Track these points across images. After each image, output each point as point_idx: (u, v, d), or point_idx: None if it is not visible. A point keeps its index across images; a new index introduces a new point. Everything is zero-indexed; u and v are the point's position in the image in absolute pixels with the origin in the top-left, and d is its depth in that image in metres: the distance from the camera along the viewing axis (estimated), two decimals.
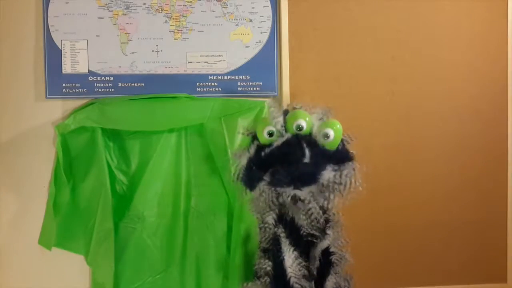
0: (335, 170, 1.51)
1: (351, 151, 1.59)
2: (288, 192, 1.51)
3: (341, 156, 1.55)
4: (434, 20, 2.02)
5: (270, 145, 1.54)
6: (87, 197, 1.85)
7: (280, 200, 1.53)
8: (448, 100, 2.03)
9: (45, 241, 1.87)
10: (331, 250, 1.58)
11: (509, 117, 2.05)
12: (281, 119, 1.56)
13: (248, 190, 1.57)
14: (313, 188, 1.51)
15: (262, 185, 1.52)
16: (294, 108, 1.61)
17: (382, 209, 2.02)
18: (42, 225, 1.88)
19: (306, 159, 1.50)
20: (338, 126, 1.55)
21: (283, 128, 1.55)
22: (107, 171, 1.81)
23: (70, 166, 1.85)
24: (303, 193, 1.51)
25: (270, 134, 1.55)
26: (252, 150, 1.57)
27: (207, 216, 1.88)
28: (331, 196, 1.52)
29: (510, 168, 2.06)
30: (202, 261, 1.88)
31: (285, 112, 1.60)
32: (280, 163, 1.50)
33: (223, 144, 1.82)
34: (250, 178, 1.54)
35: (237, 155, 1.60)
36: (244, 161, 1.56)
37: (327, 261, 1.57)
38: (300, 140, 1.52)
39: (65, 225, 1.84)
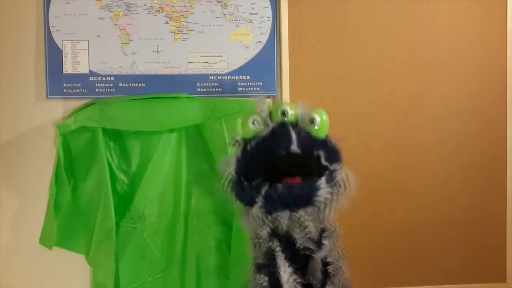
0: (331, 186, 1.47)
1: (340, 149, 1.55)
2: (284, 216, 1.47)
3: (330, 148, 1.51)
4: (434, 20, 2.02)
5: (256, 137, 1.50)
6: (88, 197, 1.85)
7: (277, 223, 1.49)
8: (447, 100, 2.03)
9: (46, 241, 1.87)
10: (327, 260, 1.54)
11: (509, 117, 2.06)
12: (265, 107, 1.52)
13: (237, 202, 1.52)
14: (309, 209, 1.47)
15: (256, 210, 1.47)
16: None
17: (381, 209, 2.02)
18: (43, 224, 1.88)
19: (294, 146, 1.45)
20: (324, 115, 1.51)
21: (269, 118, 1.51)
22: (108, 171, 1.81)
23: (71, 166, 1.86)
24: (299, 213, 1.47)
25: (256, 123, 1.50)
26: (239, 151, 1.53)
27: (208, 215, 1.88)
28: (327, 211, 1.48)
29: (510, 168, 2.06)
30: (203, 261, 1.88)
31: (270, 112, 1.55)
32: (268, 152, 1.46)
33: (223, 144, 1.82)
34: (241, 195, 1.50)
35: (225, 163, 1.54)
36: (232, 168, 1.52)
37: (324, 272, 1.53)
38: (286, 125, 1.48)
39: (66, 225, 1.85)
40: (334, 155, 1.52)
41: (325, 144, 1.51)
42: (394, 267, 2.04)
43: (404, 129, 2.03)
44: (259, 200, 1.46)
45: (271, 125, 1.50)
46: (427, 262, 2.06)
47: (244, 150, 1.52)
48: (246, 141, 1.53)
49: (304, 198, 1.46)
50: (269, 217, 1.49)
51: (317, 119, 1.49)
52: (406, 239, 2.04)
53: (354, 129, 2.00)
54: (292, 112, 1.50)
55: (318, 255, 1.52)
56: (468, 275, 2.07)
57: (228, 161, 1.54)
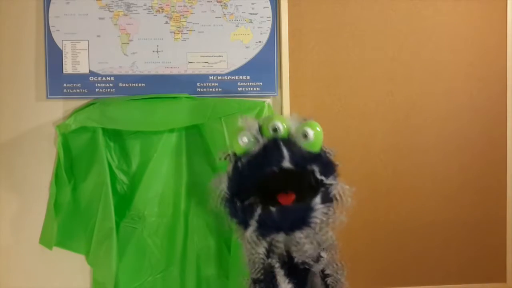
0: (327, 207, 1.44)
1: (335, 162, 1.51)
2: (279, 238, 1.45)
3: (325, 162, 1.48)
4: (434, 20, 2.02)
5: (247, 154, 1.46)
6: (88, 197, 1.85)
7: (272, 243, 1.47)
8: (447, 100, 2.03)
9: (46, 241, 1.87)
10: (326, 272, 1.52)
11: (509, 117, 2.06)
12: (256, 124, 1.49)
13: (231, 220, 1.51)
14: (305, 230, 1.44)
15: (250, 234, 1.45)
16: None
17: (382, 209, 2.02)
18: (43, 224, 1.88)
19: (286, 162, 1.41)
20: (317, 128, 1.47)
21: (259, 133, 1.48)
22: (108, 171, 1.81)
23: (71, 166, 1.86)
24: (295, 235, 1.45)
25: (245, 141, 1.47)
26: (230, 168, 1.50)
27: (207, 215, 1.88)
28: (323, 231, 1.46)
29: (510, 168, 2.06)
30: (203, 261, 1.88)
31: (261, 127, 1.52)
32: (259, 170, 1.42)
33: (223, 144, 1.83)
34: (235, 215, 1.48)
35: (217, 182, 1.51)
36: (224, 186, 1.49)
37: (323, 284, 1.52)
38: (277, 141, 1.44)
39: (66, 225, 1.85)
40: (328, 168, 1.49)
41: (319, 158, 1.47)
42: (394, 267, 2.04)
43: (404, 129, 2.03)
44: (253, 224, 1.44)
45: (262, 141, 1.46)
46: (427, 262, 2.06)
47: (235, 168, 1.49)
48: (237, 158, 1.50)
49: (298, 221, 1.44)
50: (264, 240, 1.46)
51: (310, 133, 1.45)
52: (406, 239, 2.04)
53: (354, 129, 2.00)
54: (284, 126, 1.47)
55: (317, 268, 1.51)
56: (468, 275, 2.07)
57: (220, 179, 1.52)
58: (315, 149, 1.47)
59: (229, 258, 1.87)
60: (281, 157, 1.42)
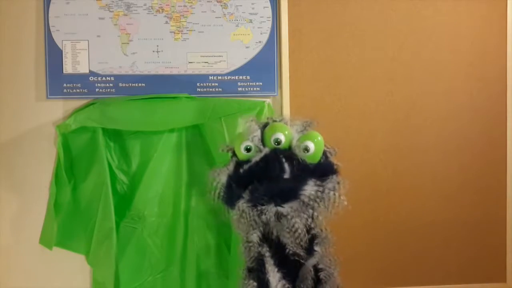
0: (318, 185, 1.47)
1: (335, 164, 1.54)
2: (269, 209, 1.45)
3: (324, 170, 1.50)
4: (434, 20, 2.02)
5: (248, 161, 1.50)
6: (88, 197, 1.86)
7: (263, 218, 1.47)
8: (447, 100, 2.03)
9: (46, 241, 1.87)
10: (319, 267, 1.53)
11: (509, 117, 2.06)
12: (258, 133, 1.52)
13: (229, 209, 1.52)
14: (295, 204, 1.46)
15: (242, 204, 1.47)
16: (274, 121, 1.57)
17: (381, 209, 2.02)
18: (43, 224, 1.88)
19: (286, 175, 1.46)
20: (319, 138, 1.50)
21: (261, 142, 1.51)
22: (108, 171, 1.81)
23: (71, 166, 1.86)
24: (285, 209, 1.46)
25: (248, 150, 1.50)
26: (231, 166, 1.53)
27: (207, 215, 1.88)
28: (315, 214, 1.48)
29: (510, 168, 2.06)
30: (203, 261, 1.89)
31: (264, 126, 1.55)
32: (259, 179, 1.46)
33: (223, 144, 1.83)
34: (230, 196, 1.50)
35: (216, 173, 1.54)
36: (223, 178, 1.52)
37: (315, 278, 1.52)
38: (279, 155, 1.47)
39: (66, 225, 1.85)
40: (327, 172, 1.51)
41: (319, 167, 1.50)
42: (394, 267, 2.04)
43: (404, 129, 2.03)
44: (245, 194, 1.46)
45: (264, 150, 1.50)
46: (427, 262, 2.06)
47: (236, 170, 1.52)
48: (238, 162, 1.52)
49: (289, 191, 1.46)
50: (255, 210, 1.46)
51: (311, 147, 1.49)
52: (406, 239, 2.04)
53: (354, 129, 2.00)
54: (286, 133, 1.50)
55: (310, 262, 1.52)
56: (468, 275, 2.07)
57: (218, 172, 1.54)
58: (316, 159, 1.50)
59: (229, 258, 1.87)
60: (282, 171, 1.47)
